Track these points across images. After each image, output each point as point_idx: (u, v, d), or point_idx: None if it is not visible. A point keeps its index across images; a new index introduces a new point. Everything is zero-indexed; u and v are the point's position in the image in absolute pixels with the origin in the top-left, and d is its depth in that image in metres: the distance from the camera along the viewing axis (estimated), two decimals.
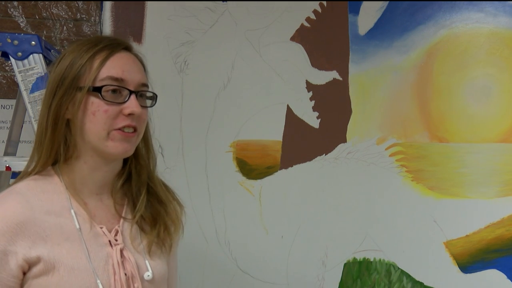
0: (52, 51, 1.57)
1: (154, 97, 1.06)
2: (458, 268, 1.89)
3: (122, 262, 0.99)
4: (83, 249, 0.97)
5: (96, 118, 0.97)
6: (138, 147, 1.06)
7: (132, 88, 1.00)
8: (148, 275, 1.02)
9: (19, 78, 1.40)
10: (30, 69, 1.41)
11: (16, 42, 1.40)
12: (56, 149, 0.99)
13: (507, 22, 1.87)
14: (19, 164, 1.47)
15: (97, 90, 0.97)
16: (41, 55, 1.41)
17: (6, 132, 1.77)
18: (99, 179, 1.04)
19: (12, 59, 1.40)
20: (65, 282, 0.94)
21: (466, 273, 1.88)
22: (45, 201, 0.99)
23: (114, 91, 0.98)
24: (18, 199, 0.97)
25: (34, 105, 1.40)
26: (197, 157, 2.00)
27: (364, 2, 1.97)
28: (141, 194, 1.07)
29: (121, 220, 1.05)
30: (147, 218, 1.07)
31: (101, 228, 1.01)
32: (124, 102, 0.99)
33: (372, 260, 1.96)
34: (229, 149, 2.01)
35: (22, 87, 1.40)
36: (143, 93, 1.03)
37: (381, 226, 1.95)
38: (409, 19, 1.94)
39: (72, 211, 0.99)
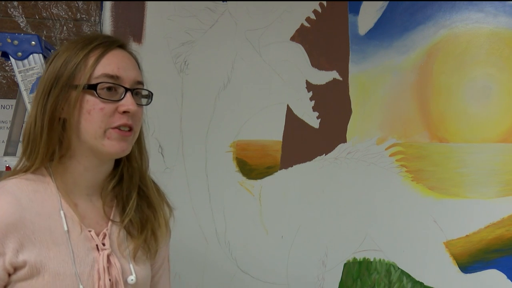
0: (52, 51, 1.57)
1: (149, 95, 1.05)
2: (458, 268, 1.89)
3: (108, 267, 0.99)
4: (69, 253, 0.96)
5: (92, 117, 0.96)
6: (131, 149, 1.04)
7: (127, 86, 0.99)
8: (132, 279, 1.01)
9: (19, 78, 1.40)
10: (30, 69, 1.41)
11: (16, 42, 1.40)
12: (52, 149, 0.98)
13: (507, 22, 1.87)
14: None
15: (92, 87, 0.96)
16: (41, 55, 1.42)
17: (6, 132, 1.77)
18: (91, 180, 1.02)
19: (12, 59, 1.40)
20: (50, 287, 0.93)
21: (466, 273, 1.88)
22: (35, 201, 0.97)
23: (109, 88, 0.97)
24: (9, 199, 0.95)
25: None
26: (197, 157, 2.00)
27: (364, 2, 1.97)
28: (131, 197, 1.05)
29: (109, 223, 1.04)
30: (136, 223, 1.05)
31: (89, 231, 1.00)
32: (120, 100, 0.98)
33: (372, 260, 1.96)
34: (229, 149, 2.01)
35: (22, 87, 1.40)
36: (138, 91, 1.02)
37: (381, 226, 1.95)
38: (409, 19, 1.94)
39: (61, 212, 0.98)
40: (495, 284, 1.86)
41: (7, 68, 1.96)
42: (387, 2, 1.95)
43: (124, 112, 0.97)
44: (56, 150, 0.98)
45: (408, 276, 1.93)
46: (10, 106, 1.91)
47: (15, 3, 1.97)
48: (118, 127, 0.97)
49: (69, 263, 0.95)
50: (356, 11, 1.98)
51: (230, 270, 2.01)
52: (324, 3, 1.99)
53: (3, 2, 1.96)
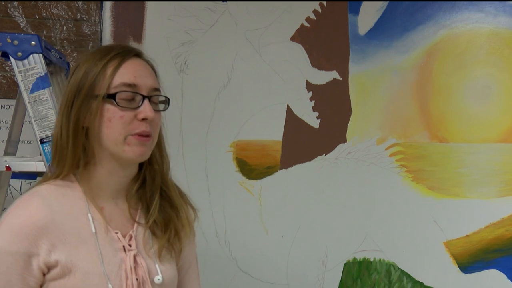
0: (52, 51, 1.57)
1: (166, 101, 1.10)
2: (458, 268, 1.89)
3: (135, 267, 1.03)
4: (97, 253, 1.01)
5: (112, 124, 1.01)
6: (152, 152, 1.08)
7: (144, 93, 1.03)
8: (158, 279, 1.05)
9: (19, 78, 1.40)
10: (30, 69, 1.40)
11: (16, 42, 1.40)
12: (78, 156, 1.03)
13: (507, 22, 1.87)
14: (19, 164, 1.47)
15: (111, 97, 1.01)
16: (41, 55, 1.41)
17: (6, 132, 1.77)
18: (115, 184, 1.07)
19: (12, 59, 1.40)
20: (80, 286, 0.98)
21: (466, 273, 1.89)
22: (65, 205, 1.02)
23: (128, 97, 1.02)
24: (41, 203, 1.00)
25: (34, 105, 1.40)
26: (197, 157, 2.00)
27: (364, 2, 1.97)
28: (154, 198, 1.10)
29: (135, 225, 1.08)
30: (159, 223, 1.10)
31: (116, 233, 1.05)
32: (138, 107, 1.02)
33: (372, 260, 1.96)
34: (229, 149, 2.01)
35: (22, 87, 1.40)
36: (155, 98, 1.06)
37: (381, 226, 1.95)
38: (409, 19, 1.94)
39: (89, 215, 1.03)
40: (495, 284, 1.86)
41: (7, 68, 1.96)
42: (387, 2, 1.96)
43: (143, 119, 1.02)
44: (81, 157, 1.03)
45: (408, 276, 1.93)
46: (10, 106, 1.91)
47: (15, 3, 1.97)
48: (137, 134, 1.02)
49: (97, 263, 1.00)
50: (356, 11, 1.98)
51: (230, 270, 2.01)
52: (324, 3, 1.99)
53: (3, 2, 1.96)
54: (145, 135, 1.02)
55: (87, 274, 0.98)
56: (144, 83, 1.03)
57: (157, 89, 1.07)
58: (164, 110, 1.09)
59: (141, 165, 1.10)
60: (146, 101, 1.02)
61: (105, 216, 1.04)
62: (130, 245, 1.05)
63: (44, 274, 0.98)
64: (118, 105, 1.00)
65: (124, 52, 1.05)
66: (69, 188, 1.04)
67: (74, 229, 1.00)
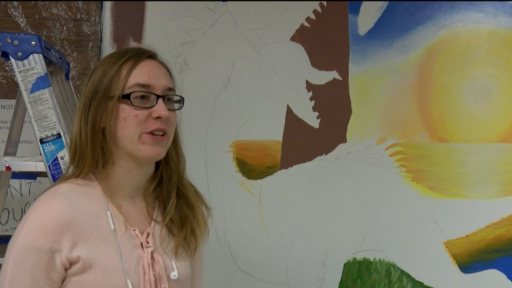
0: (52, 51, 1.57)
1: (181, 100, 1.12)
2: (458, 268, 1.89)
3: (152, 263, 1.07)
4: (116, 250, 1.04)
5: (128, 123, 1.04)
6: (168, 151, 1.11)
7: (159, 93, 1.06)
8: (175, 275, 1.09)
9: (19, 78, 1.40)
10: (30, 69, 1.41)
11: (16, 42, 1.40)
12: (97, 156, 1.06)
13: (507, 22, 1.87)
14: (19, 164, 1.47)
15: (126, 97, 1.04)
16: (41, 55, 1.41)
17: (6, 132, 1.77)
18: (133, 183, 1.10)
19: (12, 59, 1.40)
20: (100, 281, 1.01)
21: (466, 273, 1.88)
22: (85, 203, 1.06)
23: (142, 97, 1.05)
24: (63, 201, 1.04)
25: (34, 105, 1.40)
26: (197, 157, 2.00)
27: (364, 2, 1.97)
28: (171, 197, 1.13)
29: (152, 223, 1.12)
30: (176, 221, 1.13)
31: (134, 230, 1.08)
32: (152, 106, 1.05)
33: (372, 260, 1.96)
34: (229, 149, 2.01)
35: (22, 87, 1.40)
36: (170, 97, 1.09)
37: (381, 226, 1.95)
38: (409, 19, 1.94)
39: (108, 213, 1.07)
40: (495, 284, 1.86)
41: (7, 68, 1.96)
42: (387, 2, 1.96)
43: (157, 117, 1.05)
44: (100, 157, 1.07)
45: (408, 276, 1.93)
46: (10, 106, 1.91)
47: (15, 3, 1.97)
48: (151, 132, 1.05)
49: (116, 259, 1.04)
50: (356, 11, 1.98)
51: (230, 270, 2.01)
52: (324, 3, 1.99)
53: (3, 2, 1.96)
54: (160, 134, 1.05)
55: (107, 270, 1.02)
56: (158, 83, 1.06)
57: (172, 89, 1.10)
58: (179, 109, 1.12)
59: (158, 164, 1.13)
60: (160, 100, 1.05)
61: (123, 213, 1.08)
62: (147, 242, 1.08)
63: (66, 269, 1.02)
64: (132, 104, 1.04)
65: (138, 54, 1.09)
66: (89, 186, 1.08)
67: (94, 226, 1.04)
